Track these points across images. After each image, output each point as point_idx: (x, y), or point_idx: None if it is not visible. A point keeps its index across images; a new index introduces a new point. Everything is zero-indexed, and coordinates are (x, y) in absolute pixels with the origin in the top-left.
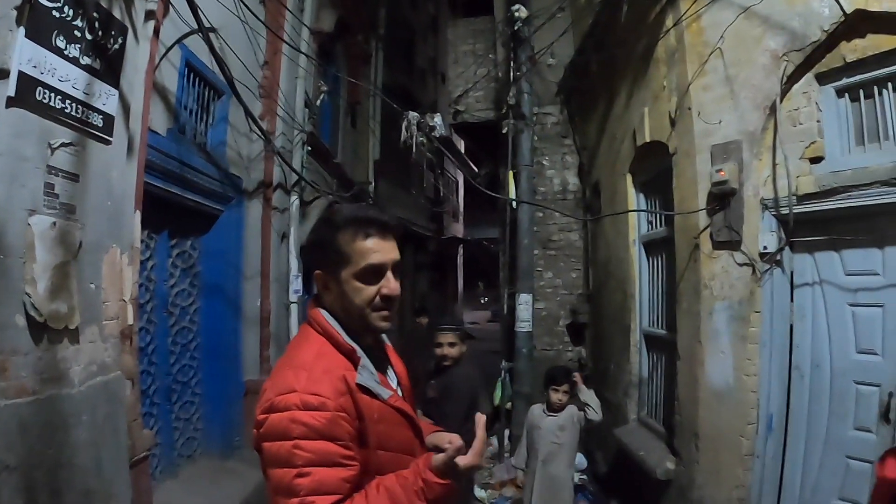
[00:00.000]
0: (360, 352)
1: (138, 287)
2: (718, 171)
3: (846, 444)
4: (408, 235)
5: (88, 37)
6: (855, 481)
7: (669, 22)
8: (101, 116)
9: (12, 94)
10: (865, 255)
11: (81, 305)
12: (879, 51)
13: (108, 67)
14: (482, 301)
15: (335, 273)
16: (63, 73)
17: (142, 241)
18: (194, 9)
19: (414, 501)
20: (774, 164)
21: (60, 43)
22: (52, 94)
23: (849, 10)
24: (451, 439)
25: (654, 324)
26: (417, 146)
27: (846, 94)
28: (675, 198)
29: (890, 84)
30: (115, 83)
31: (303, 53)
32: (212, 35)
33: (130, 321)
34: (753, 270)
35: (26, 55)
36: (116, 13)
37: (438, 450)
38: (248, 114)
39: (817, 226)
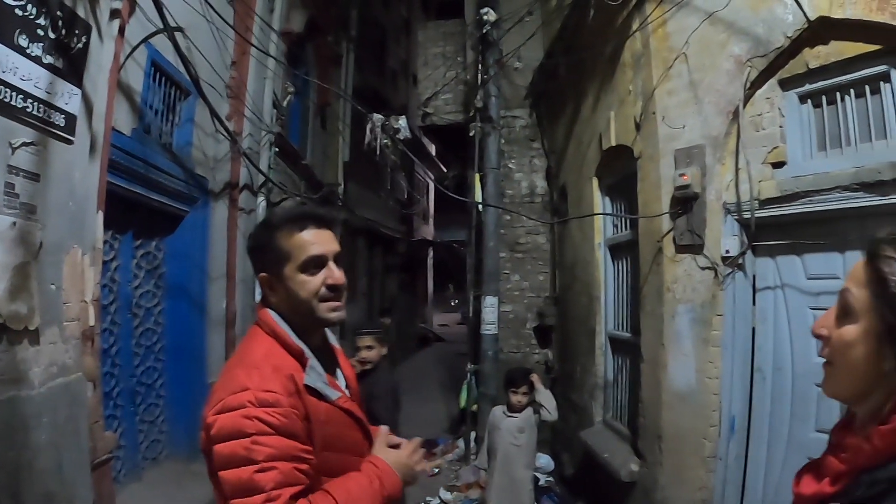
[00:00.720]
0: (308, 353)
1: (101, 288)
2: (681, 175)
3: (808, 446)
4: (377, 237)
5: (52, 35)
6: None
7: (636, 26)
8: (63, 116)
9: None
10: (827, 259)
11: (41, 306)
12: (842, 57)
13: (72, 66)
14: (452, 303)
15: (278, 272)
16: (25, 72)
17: (105, 242)
18: (160, 8)
19: (375, 501)
20: (737, 169)
21: (23, 41)
22: (14, 93)
23: (812, 17)
24: (403, 442)
25: (619, 326)
26: (381, 148)
27: (809, 100)
28: (639, 201)
29: (852, 90)
30: (79, 82)
31: (270, 55)
32: (178, 34)
33: (92, 322)
34: (716, 274)
35: None
36: (81, 12)
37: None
38: (213, 114)
39: (779, 230)
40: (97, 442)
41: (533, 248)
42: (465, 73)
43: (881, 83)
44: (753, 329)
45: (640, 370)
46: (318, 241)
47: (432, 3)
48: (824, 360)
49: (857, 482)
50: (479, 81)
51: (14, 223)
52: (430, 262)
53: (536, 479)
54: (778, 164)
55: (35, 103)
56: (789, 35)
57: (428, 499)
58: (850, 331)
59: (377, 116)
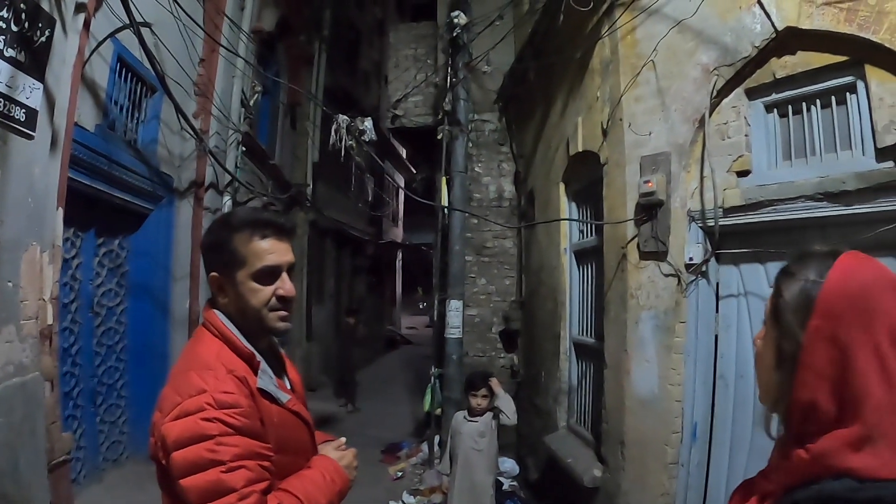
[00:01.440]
0: (259, 356)
1: (62, 286)
2: (647, 182)
3: (770, 452)
4: (345, 239)
5: (14, 28)
6: None
7: (605, 32)
8: (23, 110)
9: None
10: None
11: None
12: (809, 68)
13: (34, 60)
14: (421, 306)
15: (230, 275)
16: None
17: (66, 240)
18: (126, 3)
19: (330, 499)
20: (702, 177)
21: None
22: None
23: (780, 27)
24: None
25: (583, 332)
26: (346, 150)
27: (775, 110)
28: (605, 207)
29: (818, 101)
30: (41, 76)
31: (238, 55)
32: (146, 30)
33: (50, 321)
34: (679, 281)
35: None
36: (45, 5)
37: None
38: (178, 111)
39: (743, 238)
40: (55, 443)
41: (500, 251)
42: (435, 76)
43: (847, 94)
44: (716, 336)
45: (604, 376)
46: (275, 250)
47: (407, 5)
48: None
49: (781, 502)
50: (449, 84)
51: None
52: (399, 264)
53: (500, 484)
54: (743, 173)
55: None
56: (757, 44)
57: (391, 502)
58: (760, 342)
59: (342, 118)
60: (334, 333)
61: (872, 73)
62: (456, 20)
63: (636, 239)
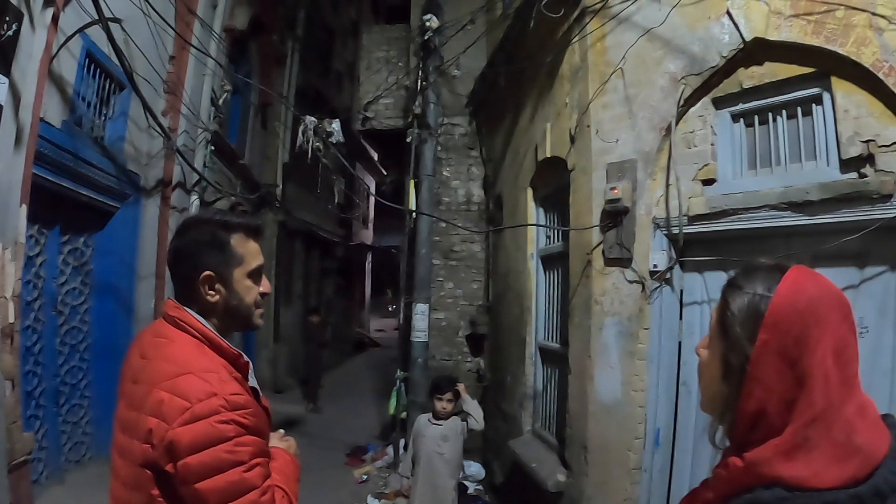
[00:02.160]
0: (245, 356)
1: (24, 284)
2: (612, 188)
3: None
4: (315, 240)
5: None
6: None
7: (575, 39)
8: None
9: None
10: None
11: None
12: (776, 79)
13: (0, 54)
14: (390, 309)
15: (228, 273)
16: None
17: (30, 237)
18: None
19: (296, 487)
20: (668, 185)
21: None
22: None
23: (749, 38)
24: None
25: (549, 337)
26: (313, 151)
27: (741, 119)
28: (571, 213)
29: (784, 111)
30: (6, 71)
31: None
32: (115, 27)
33: (11, 319)
34: (643, 288)
35: None
36: None
37: None
38: (146, 108)
39: (707, 246)
40: (15, 443)
41: (467, 256)
42: (406, 79)
43: (813, 105)
44: (680, 343)
45: (568, 381)
46: (258, 251)
47: (382, 6)
48: None
49: None
50: (419, 87)
51: None
52: (368, 266)
53: (465, 487)
54: (708, 182)
55: None
56: (725, 55)
57: None
58: (704, 353)
59: (310, 119)
60: (301, 335)
61: (838, 85)
62: (428, 23)
63: (601, 245)
